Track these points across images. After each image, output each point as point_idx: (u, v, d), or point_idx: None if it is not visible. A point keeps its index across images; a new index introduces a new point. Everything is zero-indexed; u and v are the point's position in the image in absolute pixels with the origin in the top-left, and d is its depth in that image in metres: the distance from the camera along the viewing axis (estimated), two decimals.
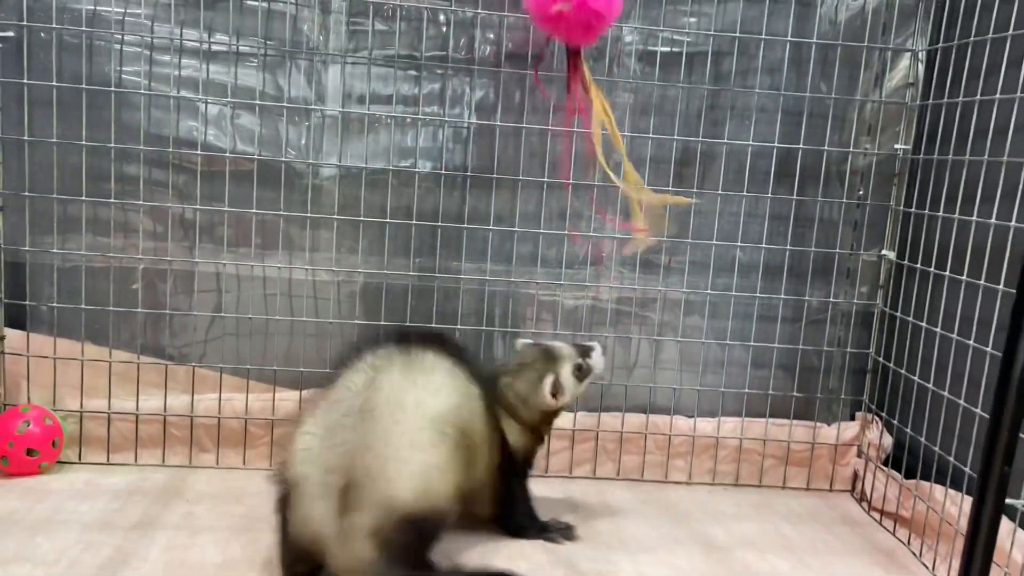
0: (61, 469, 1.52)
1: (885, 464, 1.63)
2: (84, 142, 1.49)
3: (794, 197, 1.65)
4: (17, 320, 1.54)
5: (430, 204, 1.61)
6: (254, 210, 1.55)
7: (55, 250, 1.52)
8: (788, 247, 1.67)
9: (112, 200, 1.52)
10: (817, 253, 1.68)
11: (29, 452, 1.45)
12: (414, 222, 1.60)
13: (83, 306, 1.53)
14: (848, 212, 1.68)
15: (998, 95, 1.34)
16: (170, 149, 1.53)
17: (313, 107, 1.57)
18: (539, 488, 1.60)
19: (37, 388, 1.53)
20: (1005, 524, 1.08)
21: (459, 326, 1.66)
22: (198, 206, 1.54)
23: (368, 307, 1.63)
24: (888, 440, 1.65)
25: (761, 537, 1.46)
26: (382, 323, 1.61)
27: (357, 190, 1.59)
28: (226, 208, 1.55)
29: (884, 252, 1.68)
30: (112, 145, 1.50)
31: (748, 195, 1.64)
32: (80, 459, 1.54)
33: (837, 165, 1.67)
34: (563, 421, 1.68)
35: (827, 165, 1.65)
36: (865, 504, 1.64)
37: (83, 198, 1.51)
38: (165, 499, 1.42)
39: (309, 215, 1.57)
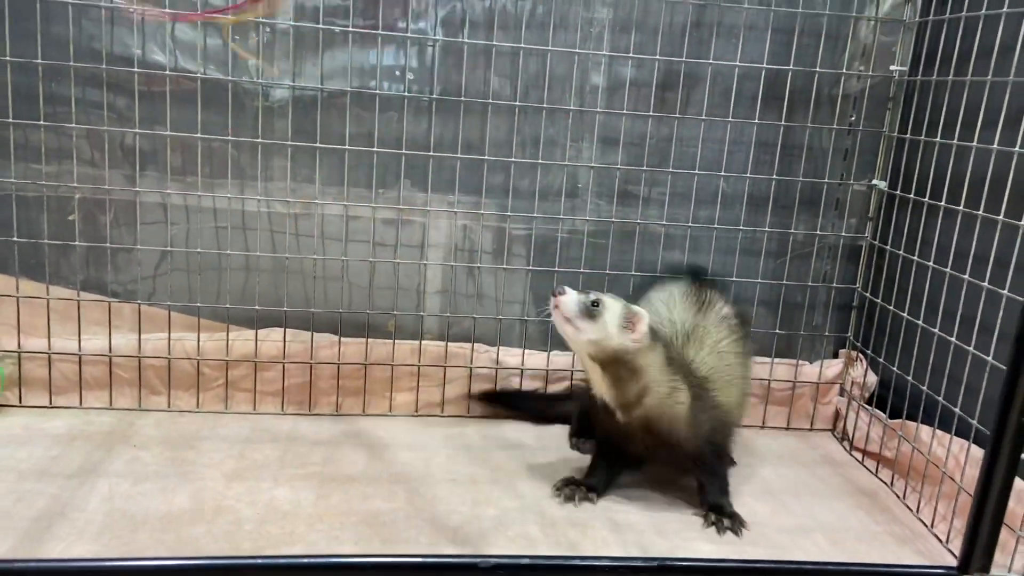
0: (1, 413, 1.42)
1: (869, 403, 1.57)
2: (8, 57, 1.35)
3: (782, 123, 1.54)
4: None
5: (393, 130, 1.50)
6: (199, 135, 1.42)
7: None
8: (774, 177, 1.57)
9: (42, 123, 1.38)
10: (804, 183, 1.59)
11: None
12: (376, 149, 1.48)
13: (15, 239, 1.41)
14: (838, 139, 1.58)
15: (1005, 8, 1.23)
16: (103, 66, 1.39)
17: (262, 20, 1.43)
18: (510, 428, 1.54)
19: None
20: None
21: (426, 261, 1.56)
22: (137, 130, 1.41)
23: (326, 241, 1.52)
24: (872, 378, 1.59)
25: (739, 479, 1.40)
26: (343, 258, 1.51)
27: (313, 114, 1.47)
28: (168, 132, 1.42)
29: (875, 182, 1.59)
30: (39, 61, 1.36)
31: (733, 121, 1.54)
32: (20, 402, 1.45)
33: (828, 88, 1.57)
34: (537, 360, 1.61)
35: (818, 88, 1.55)
36: (847, 444, 1.59)
37: (10, 120, 1.37)
38: (109, 444, 1.33)
39: (260, 140, 1.45)
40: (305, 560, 0.60)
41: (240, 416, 1.50)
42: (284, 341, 1.51)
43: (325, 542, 1.11)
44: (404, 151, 1.49)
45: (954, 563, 0.95)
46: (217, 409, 1.50)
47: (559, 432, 1.55)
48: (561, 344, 1.60)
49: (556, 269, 1.59)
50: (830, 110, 1.57)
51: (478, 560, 0.59)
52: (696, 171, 1.55)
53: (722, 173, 1.56)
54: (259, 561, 0.59)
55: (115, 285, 1.48)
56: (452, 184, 1.53)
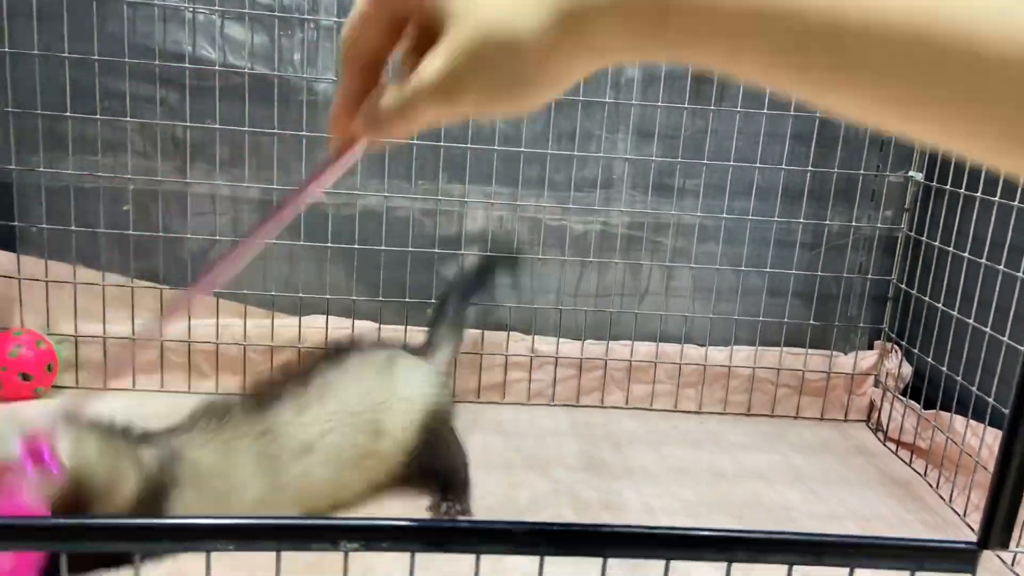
0: (57, 395, 1.49)
1: (903, 394, 1.57)
2: (67, 54, 1.41)
3: (817, 115, 1.55)
4: (6, 242, 1.50)
5: None
6: (247, 128, 1.48)
7: (42, 169, 1.47)
8: (809, 168, 1.58)
9: (98, 116, 1.45)
10: (840, 175, 1.59)
11: (23, 376, 1.42)
12: (415, 141, 1.52)
13: (73, 228, 1.48)
14: (875, 131, 1.58)
15: None
16: (156, 62, 1.45)
17: (307, 17, 1.48)
18: (544, 416, 1.57)
19: (29, 312, 1.49)
20: None
21: (462, 251, 1.60)
22: (188, 123, 1.47)
23: (367, 232, 1.57)
24: (907, 369, 1.59)
25: (771, 468, 1.42)
26: (382, 248, 1.55)
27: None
28: (217, 126, 1.48)
29: (911, 173, 1.59)
30: (96, 58, 1.42)
31: (769, 113, 1.55)
32: (77, 384, 1.52)
33: None
34: (571, 349, 1.63)
35: None
36: (881, 435, 1.59)
37: (68, 114, 1.44)
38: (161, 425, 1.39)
39: (305, 134, 1.50)
40: (347, 522, 0.63)
41: None
42: (327, 328, 1.56)
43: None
44: (442, 143, 1.53)
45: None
46: None
47: (593, 419, 1.58)
48: (595, 333, 1.63)
49: (591, 259, 1.61)
50: None
51: (512, 525, 0.62)
52: (731, 163, 1.57)
53: (757, 165, 1.57)
54: (305, 522, 0.62)
55: (166, 273, 1.54)
56: (489, 176, 1.56)
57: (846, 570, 0.67)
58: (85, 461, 0.94)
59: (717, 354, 1.65)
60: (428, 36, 0.42)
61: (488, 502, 1.23)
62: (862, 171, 1.59)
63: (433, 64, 0.41)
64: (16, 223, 1.49)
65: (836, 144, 1.58)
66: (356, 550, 0.63)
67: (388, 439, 1.19)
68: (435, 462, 1.23)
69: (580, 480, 1.33)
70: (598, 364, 1.64)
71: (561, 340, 1.63)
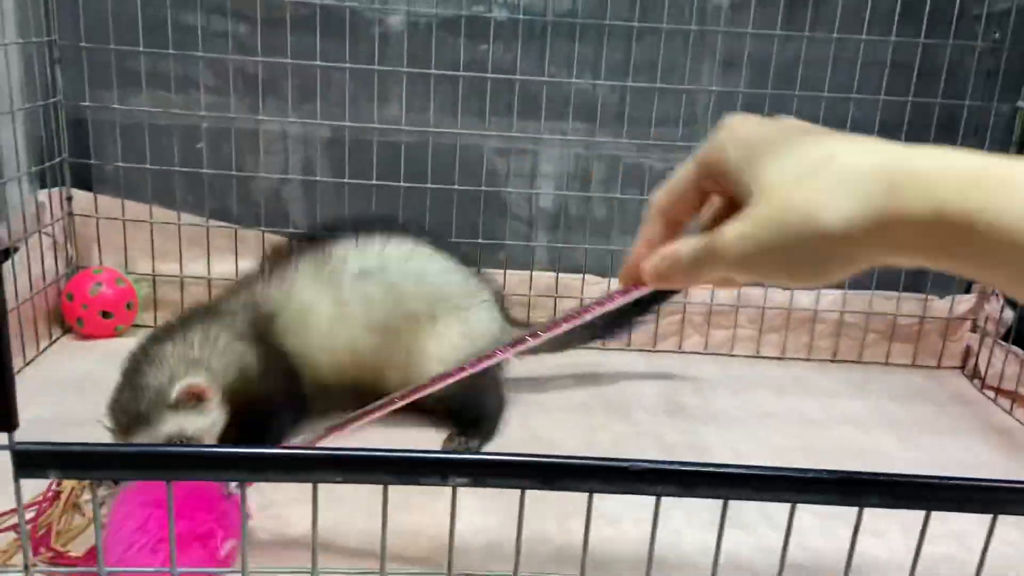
0: (137, 333, 1.50)
1: (1004, 339, 1.49)
2: None
3: (920, 40, 1.44)
4: (83, 180, 1.50)
5: (506, 56, 1.47)
6: (318, 63, 1.44)
7: (116, 106, 1.45)
8: (910, 98, 1.48)
9: (170, 51, 1.42)
10: (943, 106, 1.48)
11: (104, 314, 1.43)
12: (489, 75, 1.46)
13: (148, 166, 1.47)
14: (982, 59, 1.47)
15: None
16: None
17: None
18: (620, 361, 1.53)
19: (108, 251, 1.50)
20: None
21: (538, 191, 1.55)
22: (259, 58, 1.44)
23: (440, 169, 1.52)
24: (1009, 314, 1.50)
25: (863, 414, 1.36)
26: (454, 187, 1.51)
27: (428, 39, 1.46)
28: (288, 60, 1.44)
29: (1020, 104, 1.47)
30: None
31: (866, 39, 1.45)
32: (155, 323, 1.53)
33: (972, 2, 1.45)
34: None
35: (961, 2, 1.44)
36: (978, 382, 1.51)
37: (140, 49, 1.42)
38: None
39: (377, 68, 1.45)
40: (457, 456, 0.61)
41: None
42: None
43: None
44: (518, 76, 1.47)
45: None
46: None
47: (671, 364, 1.53)
48: None
49: None
50: (975, 25, 1.46)
51: (628, 464, 0.58)
52: (825, 93, 1.47)
53: (853, 95, 1.48)
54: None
55: (239, 212, 1.53)
56: (565, 111, 1.50)
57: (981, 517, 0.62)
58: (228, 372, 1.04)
59: (803, 298, 1.58)
60: (732, 206, 0.47)
61: (569, 444, 1.21)
62: (967, 101, 1.48)
63: (736, 229, 0.45)
64: (92, 161, 1.49)
65: (939, 73, 1.47)
66: (465, 485, 0.60)
67: (441, 325, 1.19)
68: (475, 399, 1.19)
69: (663, 423, 1.30)
70: (676, 308, 1.59)
71: None
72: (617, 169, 1.54)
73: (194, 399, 0.97)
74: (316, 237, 1.21)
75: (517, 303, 1.56)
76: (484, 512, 0.97)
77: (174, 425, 0.95)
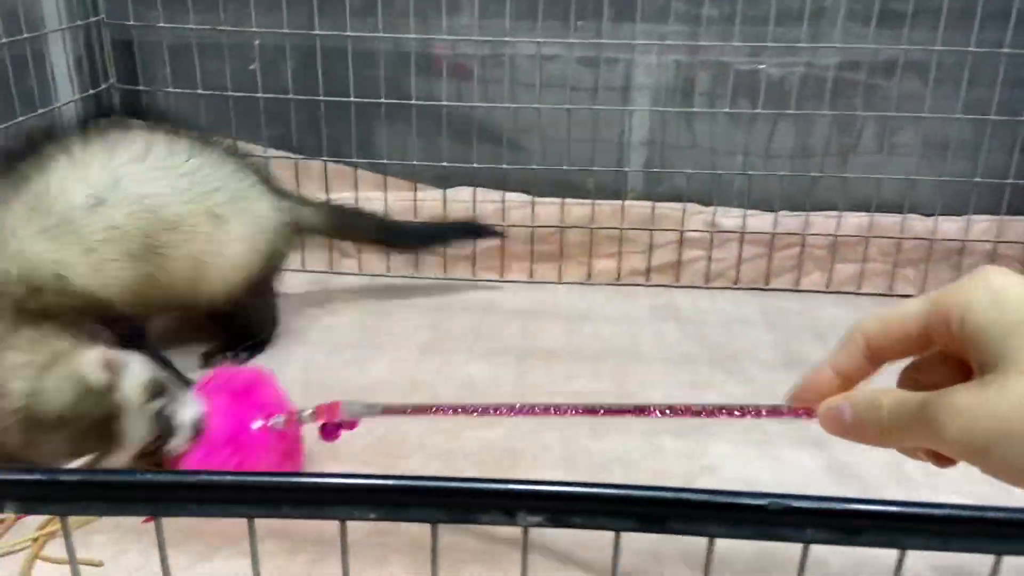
0: None
1: None
2: None
3: None
4: (133, 109, 1.38)
5: None
6: None
7: (162, 24, 1.32)
8: None
9: None
10: None
11: None
12: None
13: (200, 91, 1.33)
14: None
15: None
16: None
17: None
18: (727, 301, 1.34)
19: None
20: None
21: (631, 107, 1.34)
22: None
23: (519, 82, 1.33)
24: None
25: None
26: (536, 106, 1.32)
27: None
28: None
29: None
30: None
31: None
32: None
33: None
34: (760, 222, 1.37)
35: None
36: None
37: None
38: (303, 309, 1.27)
39: None
40: (528, 487, 0.44)
41: (432, 282, 1.40)
42: (474, 201, 1.37)
43: (528, 424, 0.99)
44: None
45: None
46: (408, 273, 1.41)
47: (788, 305, 1.33)
48: (791, 203, 1.36)
49: (790, 111, 1.32)
50: None
51: (767, 501, 0.41)
52: None
53: None
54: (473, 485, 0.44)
55: (299, 140, 1.39)
56: (663, 11, 1.27)
57: None
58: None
59: (949, 226, 1.33)
60: (952, 365, 0.43)
61: None
62: None
63: (969, 399, 0.39)
64: (141, 87, 1.37)
65: None
66: (540, 525, 0.45)
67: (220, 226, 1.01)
68: (254, 306, 1.09)
69: (781, 380, 1.09)
70: (794, 240, 1.37)
71: (749, 212, 1.37)
72: (725, 78, 1.32)
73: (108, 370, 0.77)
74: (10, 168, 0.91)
75: (607, 237, 1.39)
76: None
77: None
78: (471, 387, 1.07)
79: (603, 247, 1.40)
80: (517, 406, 0.68)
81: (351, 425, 0.77)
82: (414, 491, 0.44)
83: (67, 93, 1.25)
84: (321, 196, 1.38)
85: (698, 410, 0.59)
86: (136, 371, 0.79)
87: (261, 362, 1.11)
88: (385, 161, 1.37)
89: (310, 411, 0.76)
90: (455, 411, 0.70)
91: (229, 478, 0.43)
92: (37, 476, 0.43)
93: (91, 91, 1.31)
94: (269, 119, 1.36)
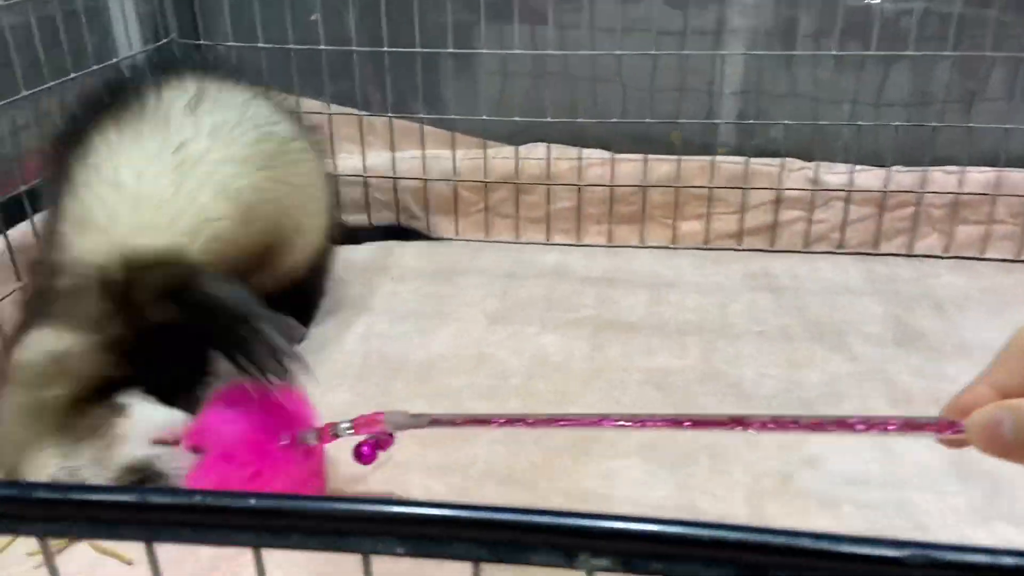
0: None
1: None
2: None
3: None
4: (195, 63, 1.32)
5: None
6: None
7: None
8: None
9: None
10: None
11: None
12: None
13: (260, 44, 1.27)
14: None
15: None
16: None
17: None
18: (829, 268, 1.21)
19: None
20: None
21: (723, 51, 1.21)
22: None
23: (598, 27, 1.21)
24: None
25: None
26: (617, 52, 1.20)
27: None
28: None
29: None
30: None
31: None
32: None
33: None
34: (869, 179, 1.22)
35: None
36: None
37: None
38: (367, 276, 1.20)
39: None
40: (592, 523, 0.34)
41: (502, 246, 1.31)
42: (548, 159, 1.27)
43: (603, 404, 0.90)
44: None
45: None
46: (477, 237, 1.33)
47: (900, 272, 1.19)
48: (905, 157, 1.20)
49: (907, 52, 1.16)
50: None
51: (905, 554, 0.30)
52: None
53: None
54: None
55: (363, 96, 1.31)
56: None
57: None
58: None
59: None
60: None
61: (765, 387, 0.93)
62: None
63: None
64: (201, 42, 1.31)
65: None
66: (606, 570, 0.36)
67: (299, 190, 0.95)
68: (312, 287, 1.04)
69: (892, 358, 0.98)
70: (908, 199, 1.22)
71: (856, 168, 1.22)
72: (832, 17, 1.16)
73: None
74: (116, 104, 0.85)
75: (694, 197, 1.26)
76: None
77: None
78: (542, 361, 0.98)
79: (690, 208, 1.28)
80: (585, 418, 0.60)
81: (387, 444, 0.69)
82: (451, 522, 0.35)
83: (126, 48, 1.21)
84: (386, 154, 1.31)
85: (809, 423, 0.48)
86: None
87: (318, 332, 1.06)
88: (453, 116, 1.28)
89: (347, 424, 0.68)
90: (514, 423, 0.62)
91: (229, 501, 0.36)
92: (10, 492, 0.36)
93: (153, 45, 1.26)
94: (332, 73, 1.28)
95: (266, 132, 0.90)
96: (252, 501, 0.36)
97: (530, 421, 0.61)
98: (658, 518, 0.34)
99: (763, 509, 0.76)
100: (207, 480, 0.68)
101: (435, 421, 0.64)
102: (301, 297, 1.04)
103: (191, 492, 0.36)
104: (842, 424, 0.47)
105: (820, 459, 0.82)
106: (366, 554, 0.36)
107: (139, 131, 0.81)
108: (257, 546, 0.37)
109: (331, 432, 0.68)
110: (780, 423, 0.48)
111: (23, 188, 0.95)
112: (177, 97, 0.85)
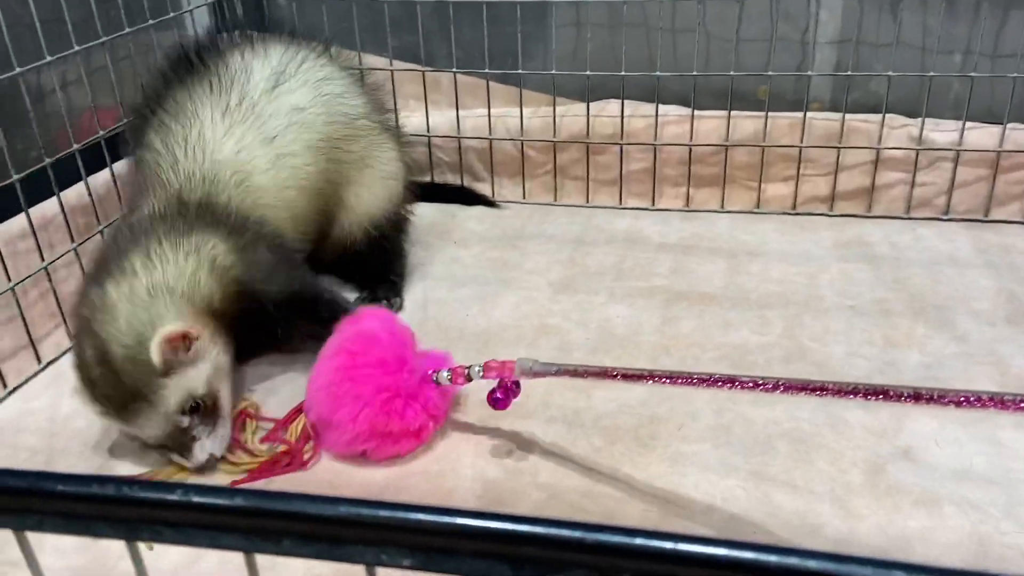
0: None
1: None
2: None
3: None
4: (257, 21, 1.30)
5: None
6: None
7: None
8: None
9: None
10: None
11: None
12: None
13: None
14: None
15: None
16: None
17: None
18: (933, 236, 1.09)
19: None
20: None
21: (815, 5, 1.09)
22: None
23: None
24: None
25: None
26: (696, 1, 1.10)
27: None
28: None
29: None
30: None
31: None
32: None
33: None
34: (982, 137, 1.10)
35: None
36: None
37: None
38: (429, 239, 1.15)
39: None
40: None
41: (571, 210, 1.24)
42: (622, 116, 1.19)
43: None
44: None
45: None
46: (545, 200, 1.26)
47: (1015, 242, 1.06)
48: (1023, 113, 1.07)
49: None
50: None
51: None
52: None
53: None
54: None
55: (428, 52, 1.25)
56: None
57: None
58: None
59: None
60: None
61: (857, 368, 0.84)
62: None
63: None
64: None
65: None
66: None
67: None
68: (387, 257, 1.02)
69: (1004, 338, 0.87)
70: (1021, 160, 1.09)
71: (968, 125, 1.09)
72: None
73: (181, 345, 0.72)
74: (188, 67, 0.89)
75: (782, 157, 1.16)
76: None
77: (177, 392, 0.72)
78: (608, 333, 0.92)
79: (777, 169, 1.18)
80: (715, 376, 0.62)
81: (516, 392, 0.72)
82: (470, 533, 0.30)
83: (185, 2, 1.18)
84: (451, 112, 1.25)
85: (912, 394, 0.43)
86: (192, 377, 0.73)
87: None
88: (521, 71, 1.20)
89: (479, 367, 0.71)
90: (639, 378, 0.65)
91: (216, 499, 0.31)
92: None
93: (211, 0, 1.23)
94: (395, 27, 1.22)
95: (336, 112, 0.93)
96: (240, 500, 0.31)
97: (656, 377, 0.64)
98: (710, 538, 0.27)
99: (849, 505, 0.68)
100: (341, 394, 0.72)
101: (563, 371, 0.68)
102: (375, 266, 1.01)
103: (174, 487, 0.32)
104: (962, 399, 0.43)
105: (917, 450, 0.73)
106: (369, 565, 0.31)
107: (232, 115, 0.86)
108: (248, 551, 0.32)
109: (464, 374, 0.72)
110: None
111: (75, 147, 0.93)
112: (259, 72, 0.89)
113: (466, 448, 0.76)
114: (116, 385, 0.70)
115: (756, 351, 0.87)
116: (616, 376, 0.66)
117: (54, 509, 0.32)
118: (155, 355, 0.70)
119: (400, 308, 0.98)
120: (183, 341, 0.72)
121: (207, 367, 0.74)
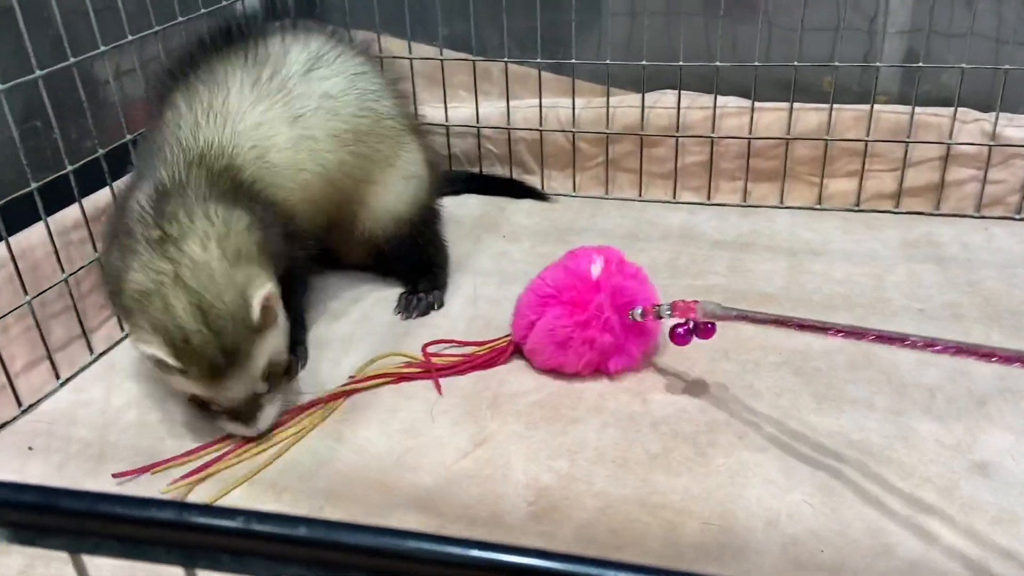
0: None
1: None
2: None
3: None
4: (308, 8, 1.28)
5: None
6: None
7: None
8: None
9: None
10: None
11: None
12: None
13: None
14: None
15: None
16: None
17: None
18: (1006, 235, 1.04)
19: None
20: None
21: None
22: None
23: None
24: None
25: None
26: None
27: None
28: None
29: None
30: None
31: None
32: None
33: None
34: None
35: None
36: None
37: None
38: (478, 233, 1.13)
39: None
40: None
41: (623, 203, 1.21)
42: (678, 107, 1.15)
43: (737, 387, 0.80)
44: None
45: None
46: (596, 194, 1.23)
47: None
48: None
49: None
50: None
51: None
52: None
53: None
54: None
55: (479, 42, 1.22)
56: None
57: None
58: None
59: None
60: None
61: (926, 376, 0.80)
62: None
63: None
64: None
65: None
66: None
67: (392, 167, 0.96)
68: (426, 252, 1.00)
69: None
70: None
71: None
72: None
73: (273, 306, 0.73)
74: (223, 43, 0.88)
75: (846, 151, 1.12)
76: None
77: (264, 355, 0.72)
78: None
79: (841, 164, 1.14)
80: (894, 335, 0.64)
81: (706, 332, 0.77)
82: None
83: None
84: (501, 103, 1.22)
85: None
86: (273, 341, 0.74)
87: None
88: (574, 61, 1.17)
89: (667, 306, 0.77)
90: (820, 329, 0.67)
91: (278, 527, 0.29)
92: (33, 498, 0.31)
93: None
94: (446, 15, 1.20)
95: (366, 108, 0.92)
96: (304, 530, 0.29)
97: (837, 330, 0.66)
98: None
99: (922, 523, 0.64)
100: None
101: (743, 315, 0.73)
102: (412, 260, 0.99)
103: (235, 514, 0.30)
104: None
105: (994, 466, 0.69)
106: None
107: (261, 88, 0.84)
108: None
109: (655, 313, 0.77)
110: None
111: (128, 138, 0.92)
112: (296, 55, 0.88)
113: (517, 450, 0.74)
114: (211, 344, 0.70)
115: (818, 356, 0.84)
116: (792, 325, 0.69)
117: (111, 532, 0.31)
118: (256, 312, 0.71)
119: (440, 302, 0.97)
120: (274, 302, 0.73)
121: (281, 332, 0.75)
